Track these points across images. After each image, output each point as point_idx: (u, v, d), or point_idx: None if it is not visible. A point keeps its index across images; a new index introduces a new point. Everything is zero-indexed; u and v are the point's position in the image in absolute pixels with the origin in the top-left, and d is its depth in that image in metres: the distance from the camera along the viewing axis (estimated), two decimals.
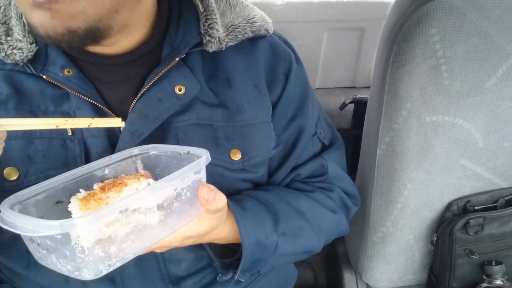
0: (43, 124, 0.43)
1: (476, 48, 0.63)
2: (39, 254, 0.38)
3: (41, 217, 0.42)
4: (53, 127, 0.44)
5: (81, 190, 0.44)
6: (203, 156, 0.45)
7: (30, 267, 0.57)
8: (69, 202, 0.42)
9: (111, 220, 0.37)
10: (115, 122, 0.47)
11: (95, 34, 0.46)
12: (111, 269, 0.38)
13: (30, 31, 0.51)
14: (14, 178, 0.53)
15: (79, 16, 0.43)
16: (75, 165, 0.53)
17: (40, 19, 0.43)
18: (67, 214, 0.41)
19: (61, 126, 0.44)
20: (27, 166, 0.53)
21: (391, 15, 0.69)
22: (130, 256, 0.40)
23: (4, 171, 0.52)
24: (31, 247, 0.38)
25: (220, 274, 0.61)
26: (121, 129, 0.54)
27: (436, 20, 0.61)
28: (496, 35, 0.62)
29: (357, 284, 0.95)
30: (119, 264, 0.39)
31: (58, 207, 0.44)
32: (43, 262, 0.39)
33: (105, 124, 0.47)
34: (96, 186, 0.45)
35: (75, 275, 0.37)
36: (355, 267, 0.94)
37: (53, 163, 0.53)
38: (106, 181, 0.46)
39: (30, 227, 0.34)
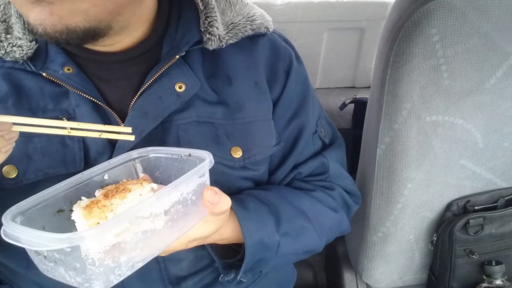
0: (56, 129, 0.43)
1: (476, 48, 0.63)
2: (45, 267, 0.37)
3: (43, 227, 0.41)
4: (66, 133, 0.44)
5: (82, 197, 0.43)
6: (207, 159, 0.45)
7: (29, 267, 0.57)
8: (71, 210, 0.41)
9: (121, 229, 0.36)
10: (125, 135, 0.46)
11: (95, 33, 0.46)
12: (121, 278, 0.37)
13: (29, 30, 0.51)
14: (13, 176, 0.52)
15: (79, 15, 0.43)
16: (74, 163, 0.53)
17: (39, 17, 0.42)
18: (70, 223, 0.40)
19: (73, 133, 0.44)
20: (26, 164, 0.53)
21: (391, 15, 0.69)
22: (140, 264, 0.39)
23: (3, 169, 0.52)
24: (37, 260, 0.37)
25: (222, 275, 0.60)
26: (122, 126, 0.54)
27: (436, 20, 0.61)
28: (496, 35, 0.62)
29: (357, 284, 0.95)
30: (128, 273, 0.38)
31: (59, 216, 0.43)
32: (49, 274, 0.38)
33: (116, 136, 0.47)
34: (98, 193, 0.44)
35: (85, 287, 0.36)
36: (355, 267, 0.93)
37: (52, 161, 0.53)
38: (107, 187, 0.45)
39: (37, 241, 0.33)
